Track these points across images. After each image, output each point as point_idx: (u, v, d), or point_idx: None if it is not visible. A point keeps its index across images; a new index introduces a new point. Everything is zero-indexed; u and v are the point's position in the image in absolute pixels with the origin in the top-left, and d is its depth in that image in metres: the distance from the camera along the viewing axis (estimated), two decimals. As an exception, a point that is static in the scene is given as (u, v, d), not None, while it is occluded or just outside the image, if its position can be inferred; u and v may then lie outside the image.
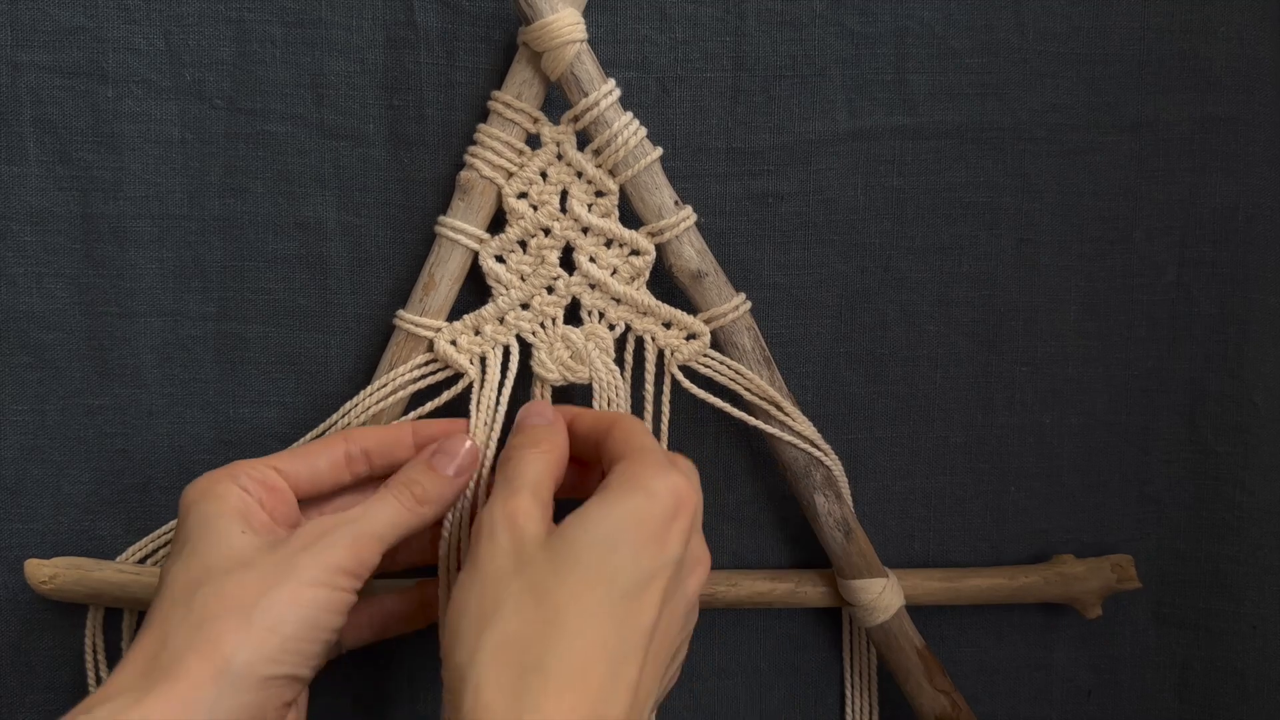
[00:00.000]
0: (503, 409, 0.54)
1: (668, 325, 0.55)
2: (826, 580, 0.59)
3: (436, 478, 0.48)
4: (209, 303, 0.57)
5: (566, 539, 0.42)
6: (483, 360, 0.55)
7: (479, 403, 0.54)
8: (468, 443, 0.50)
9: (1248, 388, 0.61)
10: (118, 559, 0.56)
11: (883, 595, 0.57)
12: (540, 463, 0.46)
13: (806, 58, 0.57)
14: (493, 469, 0.52)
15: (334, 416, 0.54)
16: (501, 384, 0.54)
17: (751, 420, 0.56)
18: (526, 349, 0.55)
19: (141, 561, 0.56)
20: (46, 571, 0.54)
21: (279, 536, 0.45)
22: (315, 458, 0.49)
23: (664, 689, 0.46)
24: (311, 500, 0.50)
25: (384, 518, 0.46)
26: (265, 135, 0.56)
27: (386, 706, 0.60)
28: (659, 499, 0.43)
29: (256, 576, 0.42)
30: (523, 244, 0.54)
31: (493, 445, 0.53)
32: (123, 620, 0.56)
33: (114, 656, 0.57)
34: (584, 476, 0.52)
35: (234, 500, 0.45)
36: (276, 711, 0.42)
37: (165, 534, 0.56)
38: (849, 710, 0.61)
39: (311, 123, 0.56)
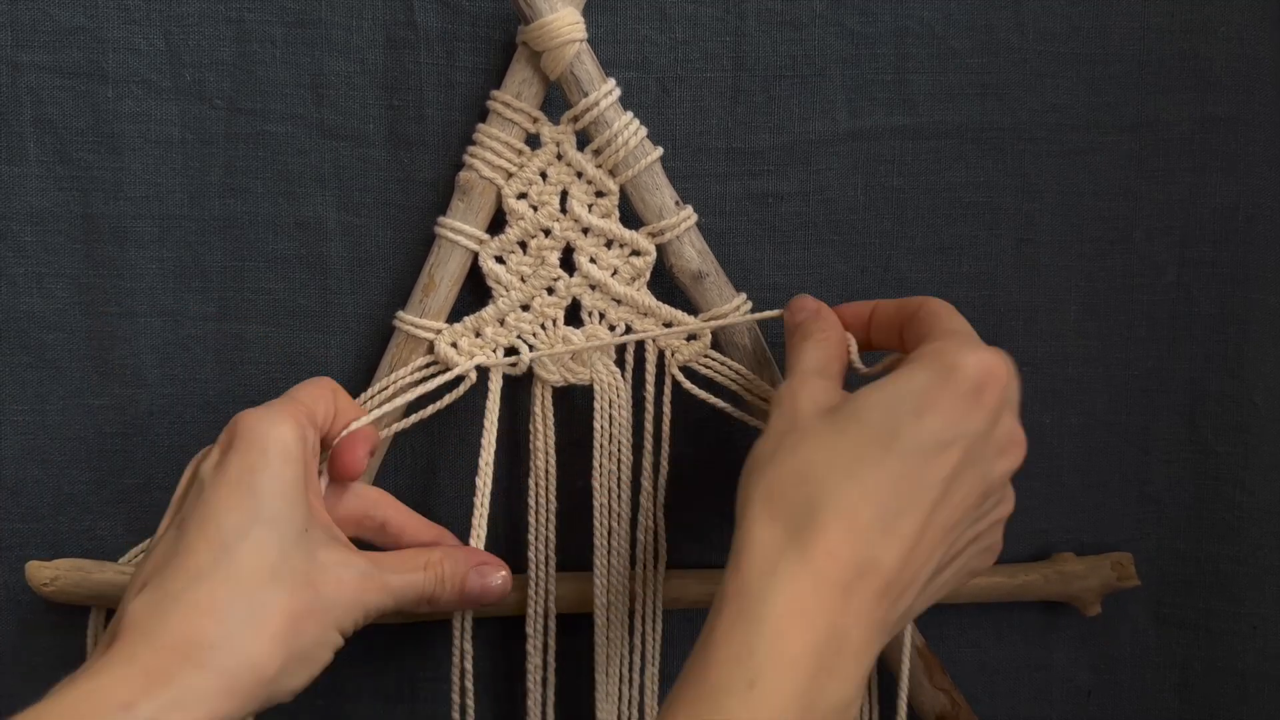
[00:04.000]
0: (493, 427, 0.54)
1: (668, 326, 0.55)
2: (827, 580, 0.59)
3: (457, 596, 0.50)
4: (209, 303, 0.57)
5: (853, 402, 0.43)
6: (482, 364, 0.55)
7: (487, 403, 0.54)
8: (503, 574, 0.51)
9: (1248, 388, 0.61)
10: (120, 560, 0.56)
11: (883, 595, 0.57)
12: (816, 350, 0.48)
13: (806, 58, 0.57)
14: None
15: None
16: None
17: (752, 420, 0.56)
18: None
19: (142, 563, 0.56)
20: (48, 574, 0.54)
21: (319, 515, 0.47)
22: (324, 404, 0.50)
23: (960, 569, 0.45)
24: None
25: (406, 596, 0.48)
26: (265, 135, 0.56)
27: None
28: (961, 372, 0.42)
29: (310, 614, 0.44)
30: (523, 245, 0.54)
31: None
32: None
33: (115, 657, 0.57)
34: None
35: (300, 457, 0.46)
36: None
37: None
38: (849, 710, 0.61)
39: (311, 123, 0.56)
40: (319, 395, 0.50)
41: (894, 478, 0.41)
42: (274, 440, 0.45)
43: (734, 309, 0.54)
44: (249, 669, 0.41)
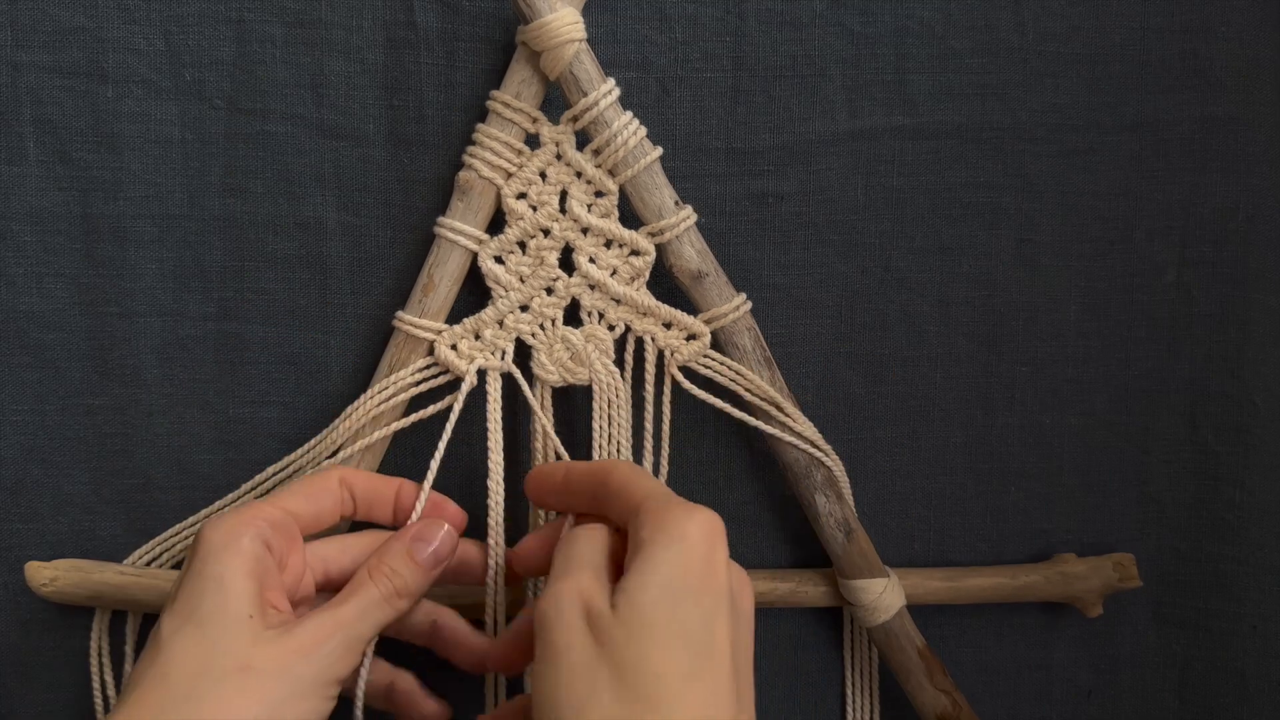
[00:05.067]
0: (498, 425, 0.54)
1: (668, 326, 0.55)
2: (827, 580, 0.59)
3: (415, 569, 0.48)
4: (209, 303, 0.57)
5: (634, 605, 0.41)
6: (482, 367, 0.55)
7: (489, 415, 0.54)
8: (445, 528, 0.50)
9: (1248, 388, 0.61)
10: (124, 562, 0.56)
11: (884, 595, 0.57)
12: (597, 540, 0.46)
13: (806, 58, 0.57)
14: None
15: (336, 422, 0.54)
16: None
17: (752, 421, 0.56)
18: (526, 351, 0.55)
19: (145, 565, 0.56)
20: (47, 574, 0.54)
21: (280, 612, 0.46)
22: (320, 500, 0.49)
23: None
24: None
25: (371, 618, 0.47)
26: (265, 135, 0.56)
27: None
28: (696, 541, 0.43)
29: (260, 689, 0.42)
30: (522, 245, 0.54)
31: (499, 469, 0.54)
32: (126, 623, 0.56)
33: (119, 659, 0.57)
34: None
35: (252, 558, 0.45)
36: None
37: (169, 538, 0.56)
38: (850, 710, 0.61)
39: (311, 123, 0.56)
40: (311, 493, 0.49)
41: (705, 677, 0.41)
42: (220, 548, 0.45)
43: (734, 309, 0.54)
44: None
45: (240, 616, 0.43)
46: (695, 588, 0.42)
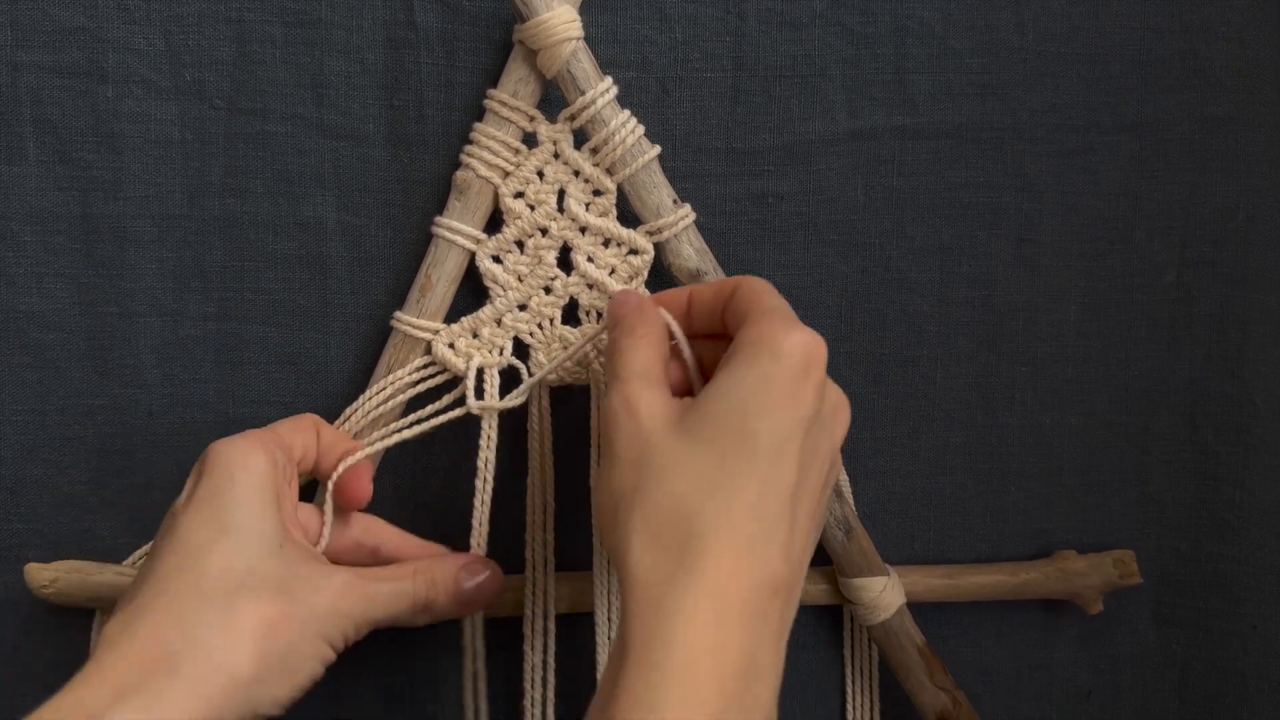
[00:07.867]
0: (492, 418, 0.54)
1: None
2: (827, 578, 0.59)
3: (452, 598, 0.50)
4: (209, 303, 0.57)
5: (700, 412, 0.42)
6: (480, 364, 0.55)
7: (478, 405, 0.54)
8: (491, 568, 0.52)
9: (1248, 388, 0.61)
10: (124, 562, 0.56)
11: (884, 594, 0.57)
12: (640, 350, 0.46)
13: (806, 58, 0.57)
14: None
15: (336, 423, 0.54)
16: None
17: (751, 420, 0.56)
18: (524, 350, 0.55)
19: (143, 564, 0.56)
20: (47, 576, 0.54)
21: (299, 545, 0.48)
22: (304, 435, 0.51)
23: (820, 525, 0.46)
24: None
25: (390, 610, 0.49)
26: (265, 135, 0.56)
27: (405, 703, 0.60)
28: (788, 358, 0.42)
29: (287, 620, 0.44)
30: (520, 244, 0.54)
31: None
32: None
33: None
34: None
35: (270, 478, 0.47)
36: None
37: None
38: (850, 708, 0.61)
39: (311, 123, 0.56)
40: (296, 427, 0.51)
41: (761, 486, 0.41)
42: (239, 463, 0.46)
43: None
44: (219, 672, 0.42)
45: (274, 542, 0.46)
46: (772, 404, 0.41)
